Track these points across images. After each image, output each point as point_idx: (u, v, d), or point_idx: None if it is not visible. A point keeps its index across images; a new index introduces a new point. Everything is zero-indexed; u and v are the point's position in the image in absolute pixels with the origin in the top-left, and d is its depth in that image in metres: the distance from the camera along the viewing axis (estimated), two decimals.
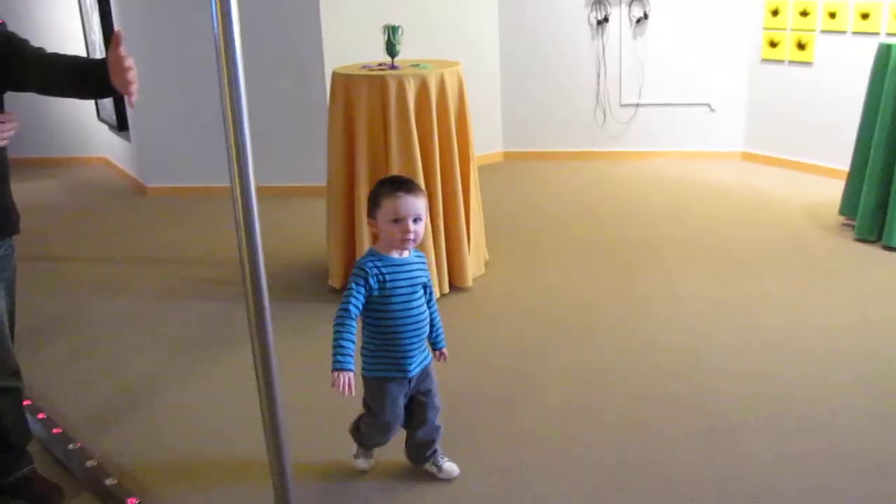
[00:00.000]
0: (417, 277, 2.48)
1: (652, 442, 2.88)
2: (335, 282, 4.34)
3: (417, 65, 4.26)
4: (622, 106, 7.10)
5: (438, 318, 2.60)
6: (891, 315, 3.86)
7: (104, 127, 7.48)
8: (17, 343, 2.71)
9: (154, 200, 6.49)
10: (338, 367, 2.30)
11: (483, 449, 2.88)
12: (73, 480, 2.83)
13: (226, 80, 1.53)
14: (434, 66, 4.23)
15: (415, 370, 2.51)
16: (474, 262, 4.41)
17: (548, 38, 7.09)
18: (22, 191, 7.12)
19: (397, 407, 2.54)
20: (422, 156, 4.04)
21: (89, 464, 2.85)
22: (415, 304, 2.47)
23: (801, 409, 3.07)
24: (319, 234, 4.76)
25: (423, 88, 4.02)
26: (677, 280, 4.38)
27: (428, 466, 2.72)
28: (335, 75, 4.21)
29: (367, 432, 2.66)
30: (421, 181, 4.01)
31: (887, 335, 3.66)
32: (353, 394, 2.29)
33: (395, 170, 4.00)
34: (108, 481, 2.74)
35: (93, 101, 7.60)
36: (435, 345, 2.64)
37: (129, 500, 2.63)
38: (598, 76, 7.06)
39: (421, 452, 2.70)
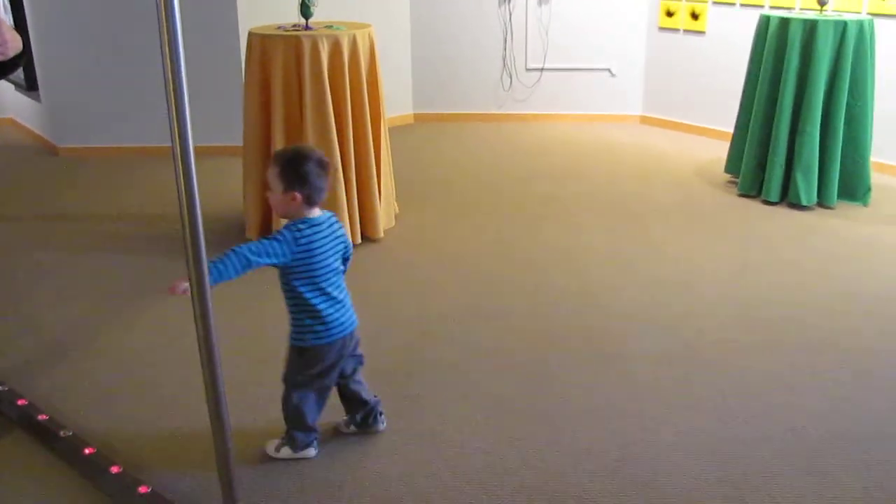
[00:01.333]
0: (338, 235, 2.55)
1: (550, 371, 3.18)
2: (252, 233, 4.52)
3: (331, 26, 4.44)
4: (528, 70, 7.39)
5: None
6: (766, 260, 4.26)
7: (10, 87, 7.39)
8: None
9: (65, 160, 6.48)
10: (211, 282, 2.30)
11: (392, 386, 3.14)
12: (5, 420, 2.96)
13: (167, 45, 1.68)
14: (347, 27, 4.41)
15: (352, 326, 2.59)
16: (385, 214, 4.64)
17: (457, 4, 7.31)
18: None
19: (334, 366, 2.57)
20: (335, 113, 4.23)
21: (20, 402, 3.00)
22: (333, 259, 2.53)
23: (683, 339, 3.42)
24: (235, 191, 4.92)
25: (336, 49, 4.20)
26: (578, 231, 4.71)
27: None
28: (251, 35, 4.35)
29: (301, 410, 2.58)
30: (334, 137, 4.21)
31: (762, 277, 4.05)
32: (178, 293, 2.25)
33: (310, 127, 4.19)
34: (40, 417, 2.89)
35: None
36: None
37: (59, 432, 2.79)
38: (505, 41, 7.32)
39: (366, 419, 2.77)
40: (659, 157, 6.27)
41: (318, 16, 4.54)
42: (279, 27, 4.47)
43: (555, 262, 4.28)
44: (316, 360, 2.52)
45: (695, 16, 6.81)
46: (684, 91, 7.03)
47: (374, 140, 4.46)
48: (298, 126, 4.27)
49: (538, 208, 5.12)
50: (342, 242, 2.56)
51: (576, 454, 2.66)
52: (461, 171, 5.97)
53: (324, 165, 2.47)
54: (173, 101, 1.71)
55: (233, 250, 2.35)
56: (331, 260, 2.49)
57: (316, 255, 2.44)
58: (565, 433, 2.78)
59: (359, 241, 4.47)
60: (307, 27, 4.36)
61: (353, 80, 4.30)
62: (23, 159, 6.67)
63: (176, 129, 1.73)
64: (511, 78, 7.42)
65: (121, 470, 2.58)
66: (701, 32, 6.80)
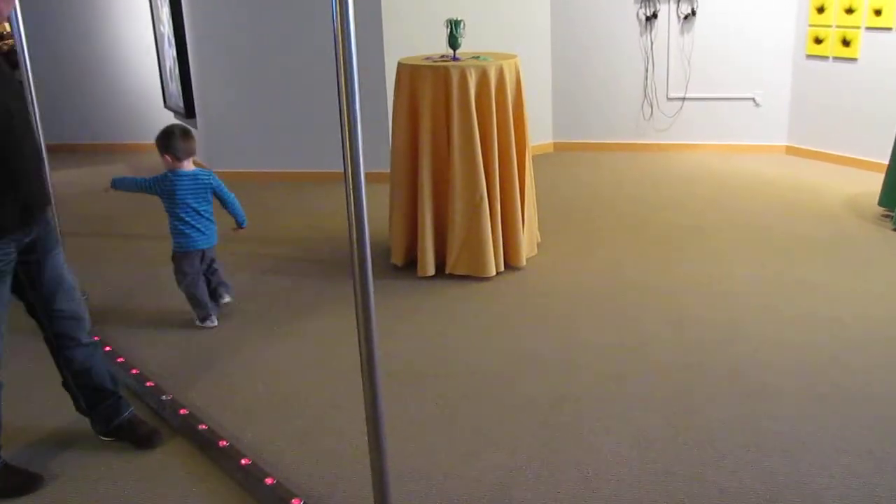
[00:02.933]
0: (206, 185, 3.94)
1: (693, 406, 3.13)
2: (397, 259, 4.64)
3: (478, 57, 4.53)
4: (669, 99, 7.31)
5: (234, 201, 4.08)
6: None
7: (170, 115, 7.84)
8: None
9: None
10: (113, 184, 4.00)
11: (535, 415, 3.15)
12: (168, 427, 3.14)
13: (343, 74, 1.76)
14: (493, 58, 4.49)
15: (208, 243, 4.01)
16: (528, 243, 4.68)
17: (598, 34, 7.32)
18: (92, 174, 7.51)
19: (194, 268, 3.98)
20: (481, 142, 4.31)
21: (182, 412, 3.17)
22: (206, 197, 3.97)
23: (834, 379, 3.30)
24: (379, 218, 5.06)
25: (483, 79, 4.28)
26: (720, 263, 4.61)
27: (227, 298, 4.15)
28: (401, 66, 4.49)
29: (189, 293, 4.01)
30: (480, 166, 4.29)
31: None
32: (106, 192, 4.06)
33: (457, 156, 4.29)
34: (201, 426, 3.05)
35: (160, 90, 7.97)
36: (236, 219, 4.13)
37: (220, 442, 2.93)
38: (646, 70, 7.27)
39: (214, 293, 4.12)
40: (806, 189, 6.07)
41: (463, 47, 4.65)
42: (427, 58, 4.59)
43: (697, 295, 4.20)
44: (181, 261, 3.96)
45: (846, 42, 6.58)
46: (833, 120, 6.79)
47: (518, 169, 4.51)
48: (445, 154, 4.37)
49: (680, 239, 5.04)
50: (206, 187, 3.94)
51: (723, 493, 2.60)
52: (601, 201, 5.95)
53: (184, 133, 3.86)
54: (347, 128, 1.80)
55: (133, 179, 4.02)
56: (189, 199, 3.88)
57: (176, 196, 3.87)
58: (711, 470, 2.72)
59: (501, 269, 4.52)
60: (455, 58, 4.47)
61: (500, 109, 4.37)
62: None
63: (349, 155, 1.81)
64: (652, 107, 7.36)
65: (275, 482, 2.69)
66: (853, 59, 6.56)
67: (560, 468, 2.76)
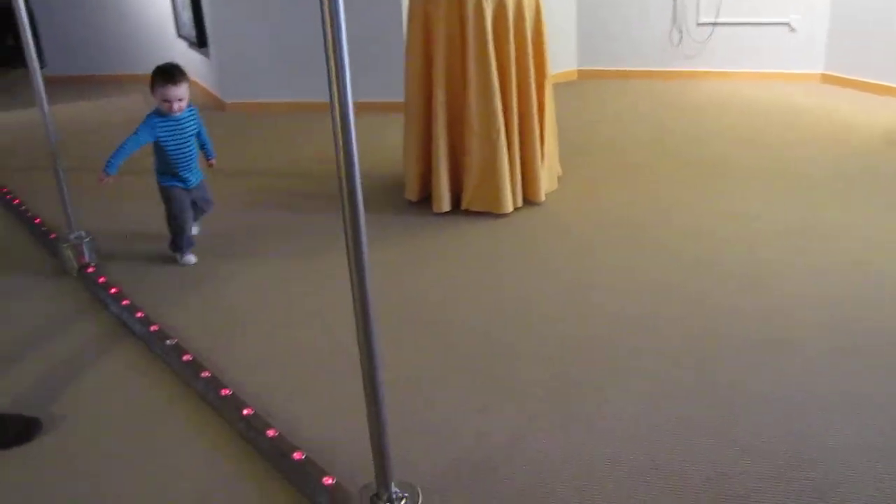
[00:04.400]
0: (188, 128, 3.85)
1: (713, 356, 2.96)
2: (411, 195, 4.47)
3: None
4: (699, 25, 6.99)
5: (208, 140, 4.07)
6: None
7: (183, 44, 7.64)
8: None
9: (233, 116, 6.65)
10: (105, 169, 3.69)
11: (543, 351, 3.01)
12: (171, 372, 3.04)
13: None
14: None
15: (192, 184, 3.92)
16: (547, 177, 4.48)
17: None
18: (106, 106, 7.38)
19: (185, 206, 3.90)
20: (498, 72, 4.09)
21: (186, 358, 3.06)
22: (186, 146, 3.84)
23: (861, 327, 3.11)
24: (395, 149, 4.87)
25: (500, 5, 4.04)
26: (747, 201, 4.39)
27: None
28: None
29: (172, 229, 3.94)
30: (496, 96, 4.07)
31: None
32: (107, 185, 3.73)
33: (472, 85, 4.08)
34: (203, 374, 2.94)
35: (172, 19, 7.74)
36: (207, 157, 4.14)
37: (222, 391, 2.82)
38: None
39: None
40: (842, 121, 5.79)
41: None
42: None
43: (721, 232, 4.00)
44: (166, 197, 3.92)
45: None
46: (875, 47, 6.46)
47: (538, 100, 4.29)
48: (460, 84, 4.16)
49: (706, 172, 4.82)
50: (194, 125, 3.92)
51: (744, 451, 2.45)
52: (626, 131, 5.71)
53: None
54: (332, 55, 1.61)
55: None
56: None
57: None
58: (730, 426, 2.56)
59: (520, 204, 4.34)
60: None
61: (518, 36, 4.14)
62: None
63: (335, 85, 1.63)
64: (681, 33, 7.04)
65: (276, 434, 2.57)
66: None
67: (572, 420, 2.61)
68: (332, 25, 1.59)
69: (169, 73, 3.71)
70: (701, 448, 2.45)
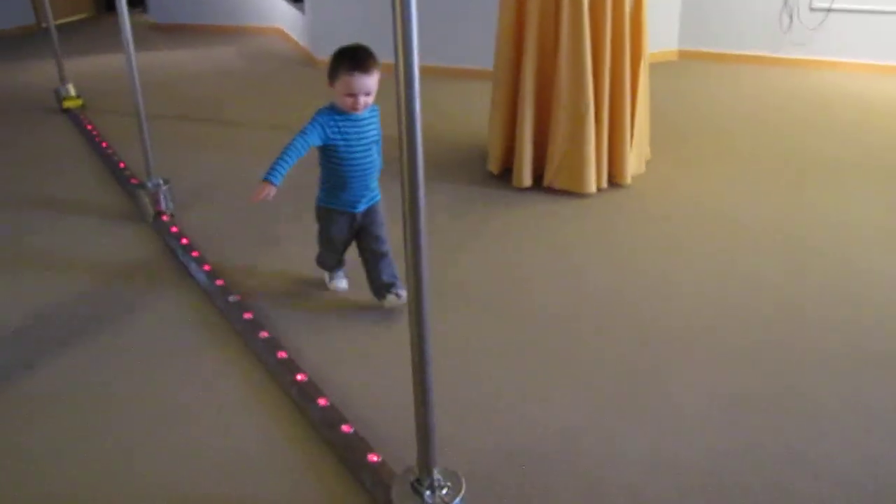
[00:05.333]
0: (368, 132, 2.85)
1: (797, 368, 2.77)
2: (493, 167, 4.34)
3: None
4: (812, 10, 6.62)
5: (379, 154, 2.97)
6: None
7: None
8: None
9: (323, 72, 6.58)
10: (265, 177, 2.72)
11: (613, 344, 2.86)
12: (230, 329, 3.01)
13: None
14: None
15: (360, 208, 2.95)
16: (635, 160, 4.30)
17: None
18: (204, 56, 7.45)
19: (342, 233, 3.01)
20: (592, 45, 3.92)
21: (247, 316, 3.02)
22: (362, 154, 2.85)
23: None
24: (481, 117, 4.74)
25: None
26: (847, 200, 4.12)
27: (389, 298, 3.02)
28: None
29: (321, 254, 3.17)
30: (588, 72, 3.90)
31: None
32: (267, 199, 2.71)
33: (563, 58, 3.91)
34: (262, 334, 2.90)
35: None
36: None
37: (279, 353, 2.77)
38: None
39: (380, 289, 3.04)
40: None
41: None
42: None
43: (815, 233, 3.75)
44: (322, 220, 3.05)
45: None
46: None
47: (631, 78, 4.10)
48: (551, 56, 4.00)
49: (806, 168, 4.54)
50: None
51: (818, 477, 2.27)
52: (724, 119, 5.45)
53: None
54: (399, 14, 1.51)
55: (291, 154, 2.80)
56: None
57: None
58: (809, 447, 2.38)
59: (604, 185, 4.17)
60: None
61: (616, 10, 3.95)
62: (284, 68, 6.88)
63: (401, 44, 1.53)
64: (791, 17, 6.68)
65: (328, 404, 2.51)
66: None
67: (636, 424, 2.46)
68: None
69: (359, 59, 2.69)
70: (768, 462, 2.29)
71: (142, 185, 3.95)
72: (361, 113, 2.79)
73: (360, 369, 2.77)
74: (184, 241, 3.63)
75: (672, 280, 3.34)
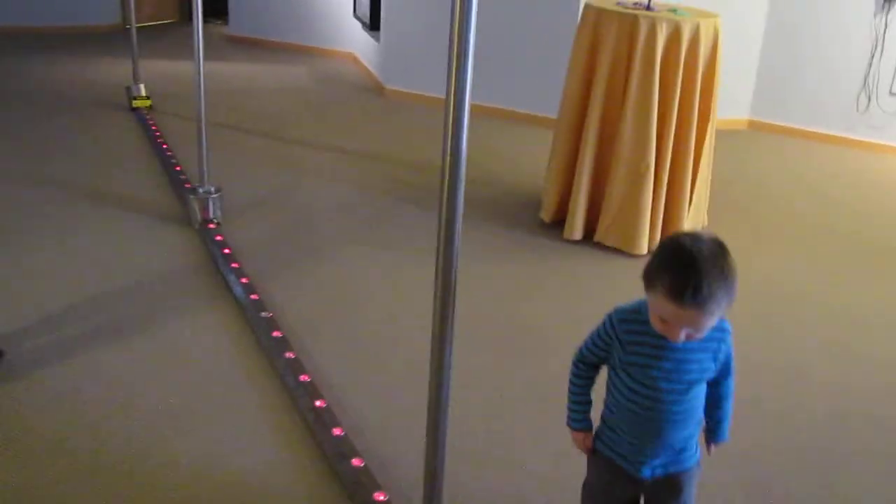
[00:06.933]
0: (692, 365, 1.68)
1: (836, 477, 2.65)
2: (546, 215, 4.28)
3: (675, 10, 4.04)
4: (892, 94, 6.47)
5: (728, 406, 1.83)
6: None
7: (357, 24, 7.69)
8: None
9: (389, 102, 6.63)
10: (568, 423, 1.88)
11: None
12: (257, 344, 2.98)
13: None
14: (691, 14, 3.99)
15: (649, 473, 1.75)
16: (691, 225, 4.20)
17: (825, 6, 6.52)
18: (274, 73, 7.53)
19: (610, 500, 1.84)
20: (659, 104, 3.86)
21: (276, 335, 2.99)
22: (671, 392, 1.67)
23: None
24: (542, 165, 4.69)
25: (674, 35, 3.80)
26: None
27: None
28: (587, 7, 4.07)
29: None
30: (652, 130, 3.84)
31: None
32: (584, 445, 1.86)
33: (630, 114, 3.85)
34: (288, 354, 2.86)
35: None
36: (709, 434, 1.85)
37: (301, 376, 2.73)
38: (872, 56, 6.44)
39: None
40: None
41: None
42: (619, 2, 4.14)
43: (873, 327, 3.59)
44: (590, 468, 1.89)
45: None
46: None
47: (697, 142, 4.03)
48: (617, 112, 3.94)
49: (865, 261, 4.34)
50: None
51: None
52: (787, 195, 5.31)
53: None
54: (456, 50, 1.47)
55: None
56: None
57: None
58: None
59: (654, 247, 4.07)
60: (649, 7, 4.00)
61: (688, 72, 3.88)
62: (352, 94, 6.92)
63: (453, 84, 1.49)
64: (870, 99, 6.54)
65: (342, 433, 2.46)
66: None
67: None
68: (460, 20, 1.45)
69: (693, 288, 1.51)
70: None
71: (193, 191, 3.97)
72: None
73: (382, 402, 2.71)
74: (226, 250, 3.63)
75: None
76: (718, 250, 1.56)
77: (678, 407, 1.68)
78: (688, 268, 1.53)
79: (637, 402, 1.70)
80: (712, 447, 1.85)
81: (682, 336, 1.59)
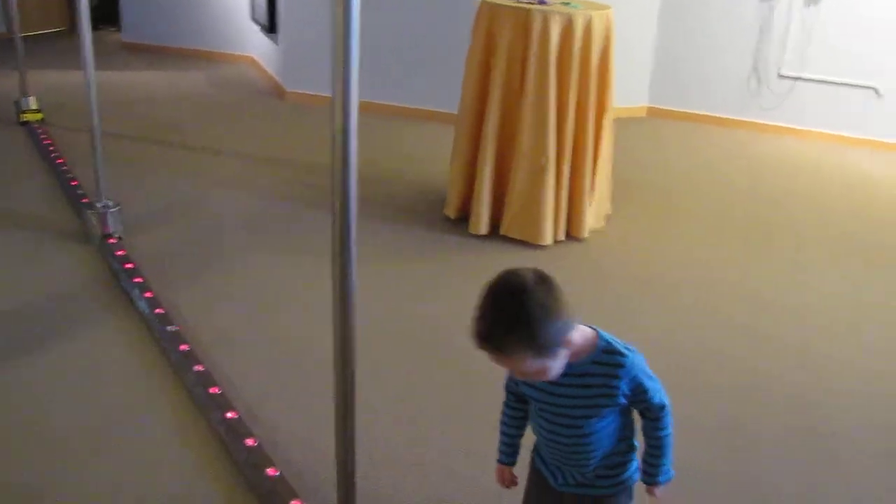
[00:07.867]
0: (563, 401, 1.66)
1: (745, 441, 2.74)
2: (450, 211, 4.30)
3: (568, 3, 4.10)
4: (780, 76, 6.71)
5: (658, 448, 1.72)
6: None
7: (255, 27, 7.59)
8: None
9: (290, 105, 6.56)
10: (498, 458, 1.88)
11: None
12: (166, 359, 2.92)
13: None
14: (584, 6, 4.06)
15: (562, 487, 1.77)
16: (594, 214, 4.29)
17: None
18: (171, 80, 7.37)
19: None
20: (556, 97, 3.92)
21: (182, 348, 2.94)
22: (554, 422, 1.69)
23: None
24: (446, 161, 4.71)
25: (567, 28, 3.87)
26: (802, 272, 4.12)
27: None
28: (482, 4, 4.10)
29: None
30: (551, 122, 3.90)
31: None
32: (514, 486, 1.88)
33: (527, 108, 3.91)
34: (197, 367, 2.82)
35: (248, 1, 7.71)
36: (642, 474, 1.76)
37: (212, 388, 2.69)
38: (759, 41, 6.67)
39: None
40: None
41: None
42: None
43: (772, 306, 3.73)
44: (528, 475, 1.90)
45: None
46: None
47: (595, 132, 4.11)
48: (516, 106, 3.99)
49: (763, 235, 4.54)
50: None
51: None
52: (688, 179, 5.47)
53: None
54: (340, 47, 1.47)
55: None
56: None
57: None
58: None
59: (561, 237, 4.15)
60: (542, 1, 4.05)
61: (583, 64, 3.96)
62: (252, 98, 6.83)
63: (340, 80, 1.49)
64: (759, 82, 6.77)
65: (256, 443, 2.43)
66: None
67: None
68: (343, 16, 1.45)
69: (474, 335, 1.56)
70: None
71: (90, 205, 3.87)
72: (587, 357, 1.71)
73: (295, 409, 2.70)
74: (128, 265, 3.55)
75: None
76: (526, 292, 1.60)
77: (572, 441, 1.68)
78: (482, 312, 1.57)
79: (541, 429, 1.73)
80: (655, 491, 1.74)
81: (532, 376, 1.59)
